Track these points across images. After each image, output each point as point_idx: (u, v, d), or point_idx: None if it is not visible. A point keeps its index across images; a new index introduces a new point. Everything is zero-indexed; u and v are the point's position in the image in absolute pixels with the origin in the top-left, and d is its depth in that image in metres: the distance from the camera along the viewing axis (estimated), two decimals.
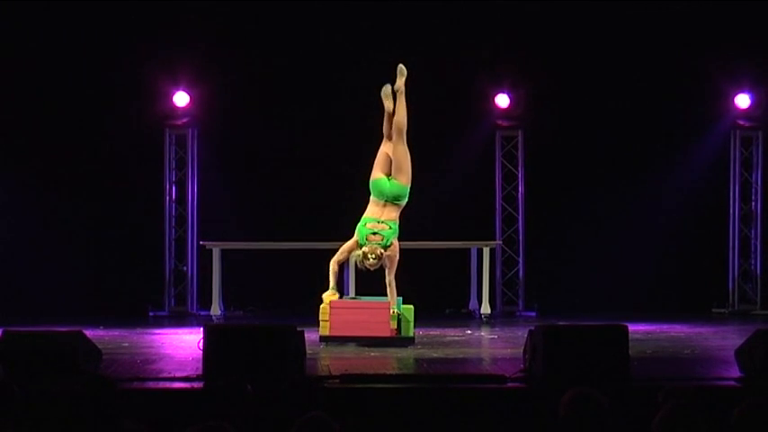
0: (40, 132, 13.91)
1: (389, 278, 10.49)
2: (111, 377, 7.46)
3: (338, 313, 10.39)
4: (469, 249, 13.96)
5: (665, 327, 12.17)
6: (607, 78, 14.09)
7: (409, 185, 10.60)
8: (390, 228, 10.51)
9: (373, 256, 10.32)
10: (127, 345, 10.46)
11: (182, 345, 10.68)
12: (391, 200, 10.60)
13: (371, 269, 10.45)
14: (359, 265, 10.49)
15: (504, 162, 14.74)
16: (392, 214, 10.58)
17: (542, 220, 14.51)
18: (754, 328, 8.25)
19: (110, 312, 13.37)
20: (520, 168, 14.67)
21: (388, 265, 10.42)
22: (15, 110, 13.83)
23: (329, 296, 10.37)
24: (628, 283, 14.25)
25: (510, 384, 7.69)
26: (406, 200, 10.61)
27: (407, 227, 13.25)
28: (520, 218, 14.68)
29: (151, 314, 14.02)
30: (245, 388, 5.42)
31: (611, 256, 14.36)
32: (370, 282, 10.67)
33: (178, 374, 8.02)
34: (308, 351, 8.22)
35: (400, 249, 10.60)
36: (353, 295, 11.98)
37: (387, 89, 10.66)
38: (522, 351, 8.15)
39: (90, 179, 14.07)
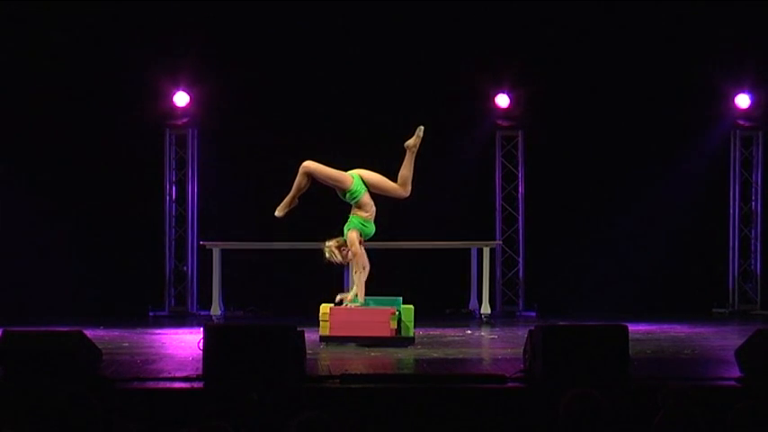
0: (40, 132, 13.91)
1: (352, 271, 10.78)
2: (111, 377, 7.48)
3: (338, 313, 10.41)
4: (469, 249, 13.97)
5: (665, 327, 12.17)
6: (607, 78, 14.09)
7: (346, 186, 10.68)
8: (350, 221, 10.70)
9: (327, 249, 10.64)
10: (127, 345, 10.46)
11: (182, 345, 10.69)
12: (350, 203, 10.77)
13: (333, 261, 10.69)
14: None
15: (504, 162, 14.74)
16: (355, 212, 10.75)
17: (542, 220, 14.51)
18: (755, 328, 8.24)
19: (110, 312, 13.38)
20: (520, 168, 14.68)
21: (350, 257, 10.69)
22: (16, 110, 13.83)
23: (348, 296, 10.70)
24: (628, 283, 14.26)
25: (510, 384, 7.69)
26: (356, 194, 10.68)
27: (408, 227, 13.31)
28: (520, 218, 14.68)
29: (151, 314, 14.03)
30: (251, 396, 5.42)
31: (611, 256, 14.36)
32: (371, 282, 10.71)
33: (178, 374, 8.01)
34: (308, 351, 8.22)
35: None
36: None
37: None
38: (522, 351, 8.15)
39: (90, 179, 14.07)
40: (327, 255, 10.66)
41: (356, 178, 10.71)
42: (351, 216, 10.74)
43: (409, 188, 10.83)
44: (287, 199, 10.82)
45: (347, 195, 10.72)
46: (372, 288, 10.79)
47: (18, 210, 13.96)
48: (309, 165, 10.75)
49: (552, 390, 6.79)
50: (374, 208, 10.77)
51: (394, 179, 10.81)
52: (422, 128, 10.72)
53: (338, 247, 10.65)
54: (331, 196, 10.97)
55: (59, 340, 7.76)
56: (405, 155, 10.77)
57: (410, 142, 10.74)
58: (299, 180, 10.76)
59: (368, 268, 10.75)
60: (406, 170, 10.80)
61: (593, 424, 4.86)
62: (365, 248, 10.85)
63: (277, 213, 10.86)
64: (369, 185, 10.75)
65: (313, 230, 11.96)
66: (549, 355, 7.61)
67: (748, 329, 8.64)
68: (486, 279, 13.53)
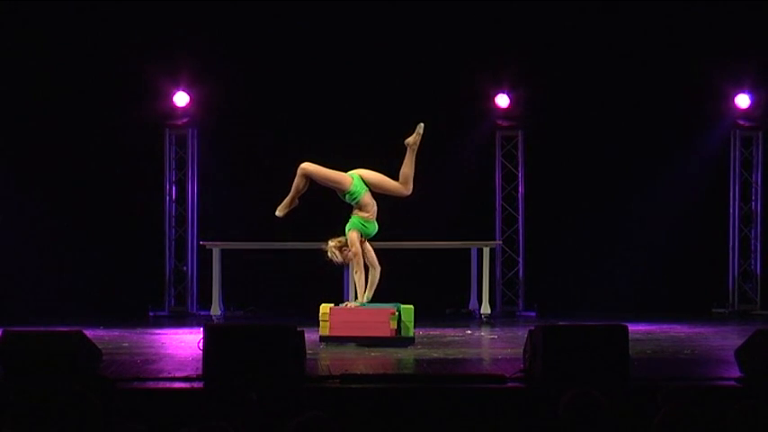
0: (40, 132, 13.91)
1: (351, 272, 10.93)
2: (111, 377, 7.47)
3: (338, 313, 10.41)
4: (469, 249, 13.97)
5: (665, 327, 12.17)
6: (607, 78, 14.09)
7: (345, 187, 10.70)
8: (351, 222, 10.75)
9: (329, 249, 10.72)
10: (127, 345, 10.46)
11: (182, 345, 10.69)
12: (351, 203, 10.77)
13: (334, 261, 10.77)
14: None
15: (504, 162, 14.74)
16: (356, 212, 10.77)
17: (542, 220, 14.51)
18: (754, 328, 8.24)
19: (110, 312, 13.38)
20: (520, 168, 14.68)
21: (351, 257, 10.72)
22: (16, 110, 13.83)
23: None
24: (628, 283, 14.26)
25: (510, 384, 7.69)
26: (356, 195, 10.70)
27: (408, 227, 13.31)
28: (520, 218, 14.68)
29: (151, 314, 14.03)
30: (250, 396, 5.42)
31: (611, 255, 14.36)
32: (381, 282, 10.76)
33: (178, 374, 8.02)
34: (308, 351, 8.22)
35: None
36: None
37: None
38: (522, 351, 8.15)
39: (90, 179, 14.07)
40: (329, 255, 10.71)
41: (356, 179, 10.71)
42: (352, 216, 10.75)
43: (411, 186, 10.83)
44: (287, 200, 10.85)
45: (347, 196, 10.72)
46: (378, 287, 10.81)
47: (18, 210, 13.96)
48: (307, 167, 10.75)
49: (552, 390, 6.78)
50: (376, 207, 10.76)
51: (395, 179, 10.81)
52: (422, 125, 10.72)
53: (339, 248, 10.67)
54: (331, 196, 10.98)
55: (59, 340, 7.76)
56: (405, 153, 10.77)
57: (410, 139, 10.74)
58: (297, 182, 10.77)
59: (378, 268, 10.80)
60: (407, 168, 10.78)
61: (593, 424, 4.86)
62: (374, 248, 10.87)
63: (277, 213, 10.91)
64: (370, 185, 10.75)
65: (313, 230, 11.98)
66: (549, 355, 7.60)
67: (748, 329, 8.64)
68: (486, 279, 13.53)
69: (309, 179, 10.75)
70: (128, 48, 13.68)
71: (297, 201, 10.87)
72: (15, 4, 13.67)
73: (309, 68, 14.05)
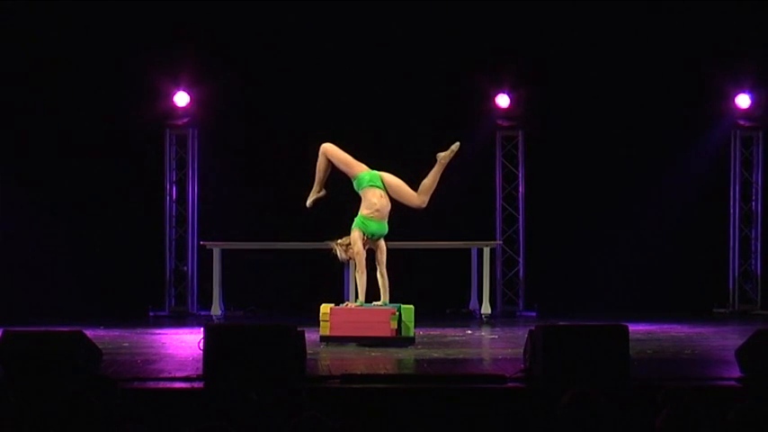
0: (40, 132, 13.91)
1: (352, 271, 11.11)
2: (111, 377, 7.47)
3: (338, 313, 10.41)
4: (470, 249, 13.97)
5: (665, 327, 12.17)
6: (607, 78, 14.09)
7: (354, 172, 10.82)
8: (355, 220, 10.76)
9: (337, 248, 10.78)
10: (127, 345, 10.46)
11: (182, 345, 10.70)
12: (358, 192, 10.85)
13: (340, 258, 10.84)
14: None
15: (505, 162, 14.74)
16: (360, 208, 10.81)
17: (542, 220, 14.51)
18: (755, 328, 8.25)
19: (110, 312, 13.37)
20: (520, 168, 14.68)
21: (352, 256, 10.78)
22: (16, 109, 13.83)
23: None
24: (628, 283, 14.25)
25: (510, 384, 7.69)
26: (360, 182, 10.78)
27: (408, 227, 13.30)
28: (520, 218, 14.68)
29: (151, 314, 14.03)
30: (250, 396, 5.43)
31: (611, 255, 14.36)
32: (374, 285, 10.76)
33: (178, 374, 8.02)
34: (308, 351, 8.23)
35: (391, 247, 10.97)
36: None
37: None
38: (522, 351, 8.15)
39: (90, 179, 14.07)
40: (335, 251, 10.76)
41: (372, 173, 10.76)
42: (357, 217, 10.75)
43: (426, 199, 10.86)
44: (314, 187, 10.94)
45: (354, 182, 10.79)
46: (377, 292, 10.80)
47: (18, 210, 13.96)
48: (327, 146, 10.96)
49: (552, 390, 6.78)
50: (379, 206, 10.68)
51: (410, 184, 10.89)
52: (457, 143, 10.82)
53: (346, 245, 10.68)
54: (332, 197, 10.98)
55: (59, 340, 7.76)
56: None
57: (443, 154, 10.89)
58: (318, 163, 10.92)
59: (384, 272, 10.75)
60: (430, 180, 10.88)
61: (593, 424, 4.86)
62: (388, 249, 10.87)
63: (307, 204, 10.99)
64: (387, 186, 10.77)
65: (313, 230, 11.99)
66: (549, 355, 7.61)
67: (748, 329, 8.64)
68: (486, 279, 13.54)
69: (330, 163, 10.82)
70: (128, 47, 13.68)
71: (323, 190, 10.93)
72: (16, 4, 13.66)
73: (309, 68, 14.05)
